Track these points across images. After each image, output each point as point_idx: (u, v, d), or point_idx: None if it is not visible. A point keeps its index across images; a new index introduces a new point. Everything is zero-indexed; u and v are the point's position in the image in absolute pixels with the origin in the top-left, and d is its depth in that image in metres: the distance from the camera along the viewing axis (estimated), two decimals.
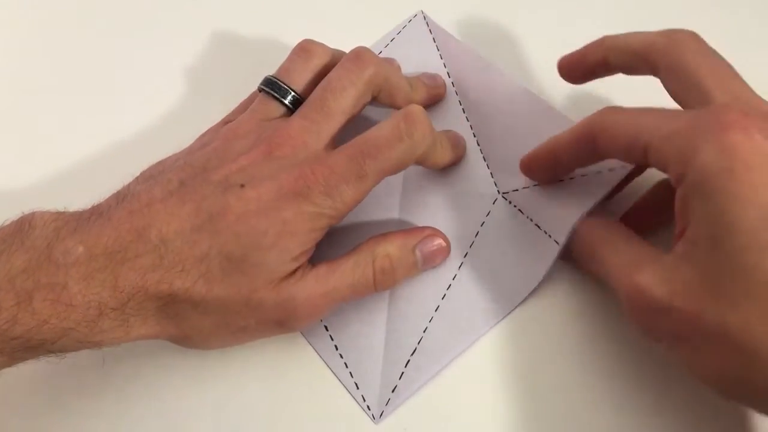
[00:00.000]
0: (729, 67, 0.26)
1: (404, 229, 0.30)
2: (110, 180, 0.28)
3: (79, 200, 0.27)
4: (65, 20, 0.41)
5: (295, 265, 0.27)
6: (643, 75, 0.26)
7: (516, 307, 0.30)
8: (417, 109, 0.27)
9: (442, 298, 0.30)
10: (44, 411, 0.29)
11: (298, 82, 0.30)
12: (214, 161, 0.27)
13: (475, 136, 0.33)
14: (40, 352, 0.24)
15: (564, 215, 0.29)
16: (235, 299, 0.26)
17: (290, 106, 0.30)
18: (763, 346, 0.20)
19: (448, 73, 0.35)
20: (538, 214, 0.30)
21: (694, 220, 0.22)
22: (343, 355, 0.29)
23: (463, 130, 0.34)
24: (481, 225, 0.31)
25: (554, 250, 0.29)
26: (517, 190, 0.31)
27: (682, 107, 0.26)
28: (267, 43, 0.38)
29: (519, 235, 0.30)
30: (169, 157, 0.30)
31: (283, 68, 0.31)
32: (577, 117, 0.28)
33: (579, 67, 0.30)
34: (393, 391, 0.28)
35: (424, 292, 0.30)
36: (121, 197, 0.27)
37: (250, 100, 0.32)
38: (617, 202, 0.30)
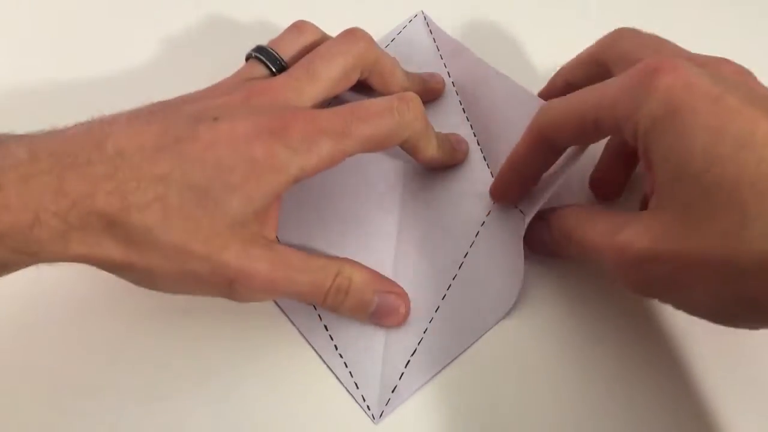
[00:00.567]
0: (666, 41, 0.27)
1: (381, 274, 0.29)
2: None
3: None
4: (62, 20, 0.41)
5: (257, 225, 0.25)
6: (602, 79, 0.27)
7: (516, 308, 0.30)
8: (413, 95, 0.28)
9: (442, 299, 0.30)
10: (44, 411, 0.29)
11: (287, 52, 0.30)
12: (188, 99, 0.27)
13: (475, 135, 0.33)
14: None
15: (537, 195, 0.30)
16: (193, 235, 0.24)
17: (276, 72, 0.29)
18: (750, 251, 0.20)
19: (448, 73, 0.35)
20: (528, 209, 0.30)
21: (656, 167, 0.23)
22: (342, 355, 0.29)
23: (464, 130, 0.34)
24: (482, 225, 0.31)
25: (523, 224, 0.29)
26: None
27: None
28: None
29: (520, 234, 0.30)
30: None
31: (274, 40, 0.31)
32: None
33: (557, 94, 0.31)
34: (393, 391, 0.28)
35: (424, 293, 0.30)
36: (82, 122, 0.25)
37: None
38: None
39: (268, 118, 0.25)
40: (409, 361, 0.29)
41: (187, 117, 0.25)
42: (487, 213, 0.31)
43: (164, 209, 0.23)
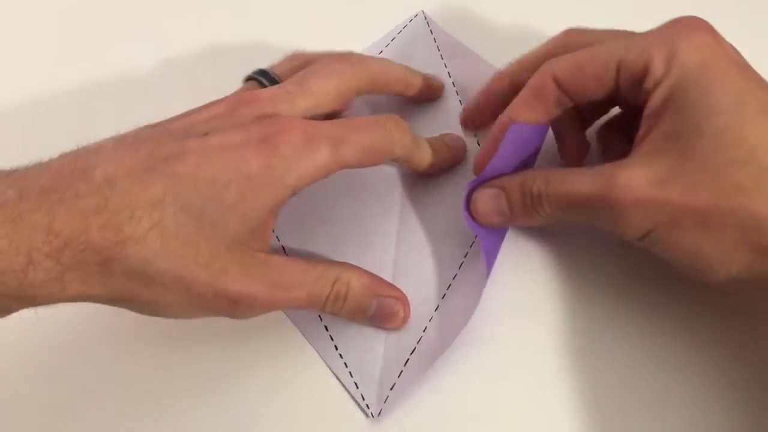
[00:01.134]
0: (621, 30, 0.28)
1: (380, 278, 0.29)
2: None
3: None
4: (62, 22, 0.41)
5: (254, 242, 0.25)
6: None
7: (515, 306, 0.30)
8: (395, 116, 0.28)
9: (442, 298, 0.30)
10: (44, 411, 0.29)
11: (285, 74, 0.30)
12: (174, 118, 0.26)
13: (475, 136, 0.33)
14: None
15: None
16: (193, 261, 0.23)
17: None
18: (762, 208, 0.22)
19: (448, 73, 0.35)
20: None
21: (675, 114, 0.24)
22: (342, 355, 0.29)
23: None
24: None
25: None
26: None
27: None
28: (266, 44, 0.38)
29: None
30: None
31: (271, 66, 0.31)
32: None
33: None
34: (392, 389, 0.28)
35: (424, 292, 0.30)
36: (66, 152, 0.24)
37: None
38: None
39: (259, 127, 0.24)
40: (408, 360, 0.29)
41: (175, 135, 0.24)
42: None
43: (162, 237, 0.22)
